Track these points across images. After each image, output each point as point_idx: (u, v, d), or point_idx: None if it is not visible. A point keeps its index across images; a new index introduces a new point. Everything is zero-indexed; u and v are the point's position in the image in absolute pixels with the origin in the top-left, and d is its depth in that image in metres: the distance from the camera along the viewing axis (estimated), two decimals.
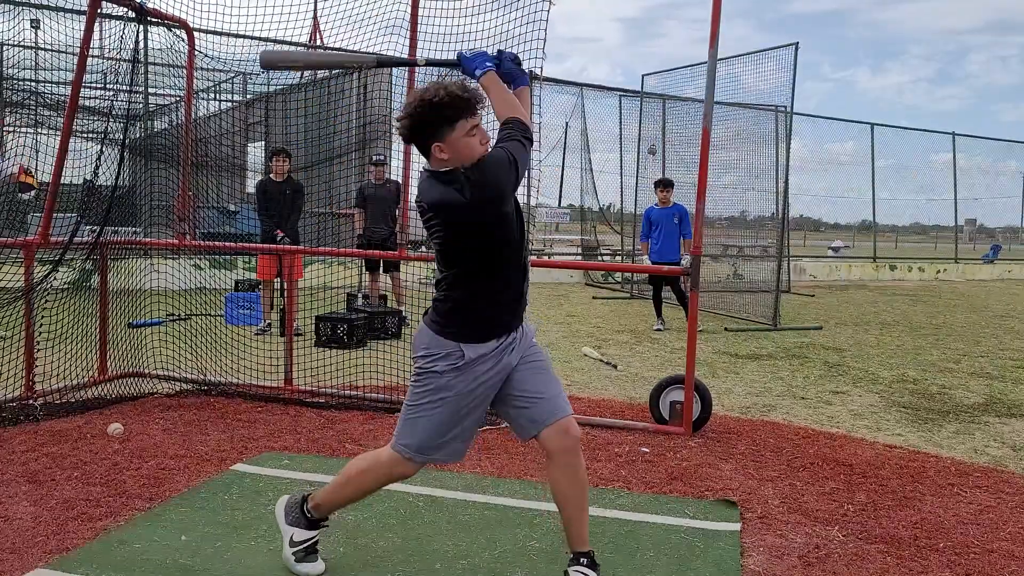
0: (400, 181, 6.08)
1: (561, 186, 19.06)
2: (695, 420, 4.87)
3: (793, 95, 10.98)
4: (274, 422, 4.90)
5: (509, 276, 2.69)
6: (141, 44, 5.57)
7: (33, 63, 9.32)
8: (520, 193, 2.74)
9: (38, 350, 5.13)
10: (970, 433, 5.16)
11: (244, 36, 6.34)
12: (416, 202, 2.75)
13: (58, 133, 5.20)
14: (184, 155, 6.07)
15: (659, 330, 9.41)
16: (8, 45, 9.62)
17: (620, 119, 15.84)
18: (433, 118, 2.54)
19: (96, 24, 4.98)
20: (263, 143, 12.55)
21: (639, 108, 14.66)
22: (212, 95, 13.52)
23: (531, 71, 4.78)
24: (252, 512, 3.43)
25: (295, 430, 4.74)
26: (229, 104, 13.89)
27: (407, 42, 5.20)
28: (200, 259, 10.56)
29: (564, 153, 18.02)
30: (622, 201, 16.80)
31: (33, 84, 9.15)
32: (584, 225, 17.53)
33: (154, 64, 9.33)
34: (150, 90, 10.29)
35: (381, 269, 9.14)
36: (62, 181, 5.05)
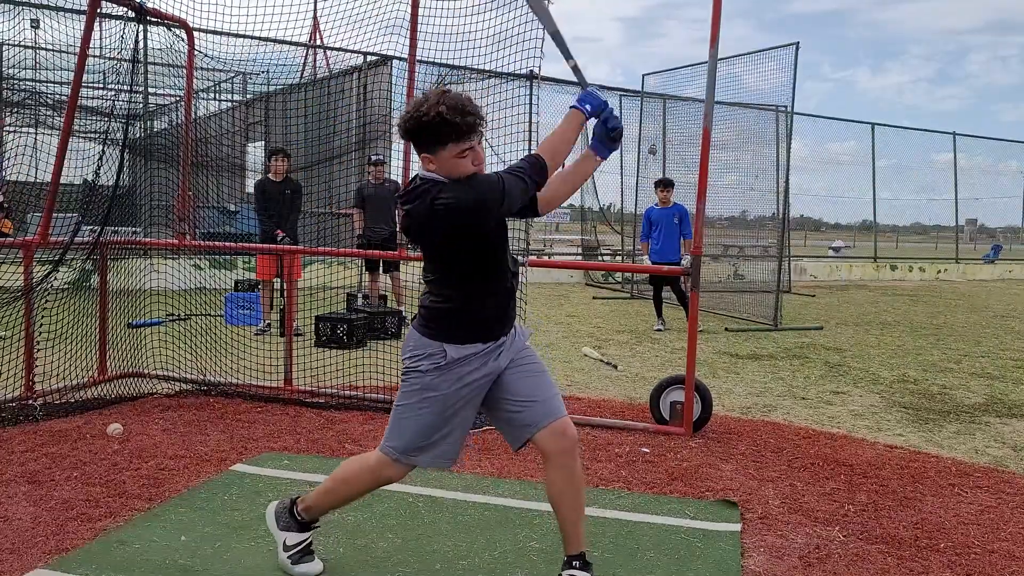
0: (400, 181, 6.08)
1: None
2: (695, 420, 4.87)
3: (794, 95, 10.98)
4: (274, 422, 4.89)
5: (492, 282, 2.67)
6: (141, 44, 5.56)
7: (33, 63, 9.31)
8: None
9: (38, 350, 5.12)
10: (971, 433, 5.15)
11: (244, 36, 6.34)
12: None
13: (58, 133, 5.20)
14: (184, 155, 6.07)
15: (659, 330, 9.41)
16: (8, 45, 9.63)
17: (620, 119, 15.81)
18: (423, 135, 2.52)
19: (96, 24, 4.98)
20: (263, 143, 12.55)
21: (639, 108, 14.66)
22: (212, 95, 13.53)
23: (531, 70, 4.79)
24: (252, 512, 3.43)
25: (295, 430, 4.74)
26: (229, 104, 13.89)
27: (407, 42, 5.20)
28: (200, 259, 10.56)
29: None
30: (622, 201, 16.81)
31: (33, 84, 9.15)
32: (584, 225, 17.52)
33: (154, 64, 9.33)
34: (150, 90, 10.29)
35: (381, 269, 9.14)
36: (62, 181, 5.04)
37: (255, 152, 12.70)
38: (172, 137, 7.17)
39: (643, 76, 14.39)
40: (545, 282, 14.95)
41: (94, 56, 5.19)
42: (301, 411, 5.18)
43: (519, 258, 2.92)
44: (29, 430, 4.52)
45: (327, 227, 10.33)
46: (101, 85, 5.86)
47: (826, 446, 4.73)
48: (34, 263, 5.04)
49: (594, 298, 13.26)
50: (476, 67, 5.14)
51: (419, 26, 5.19)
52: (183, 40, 5.86)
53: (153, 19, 5.48)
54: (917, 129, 21.67)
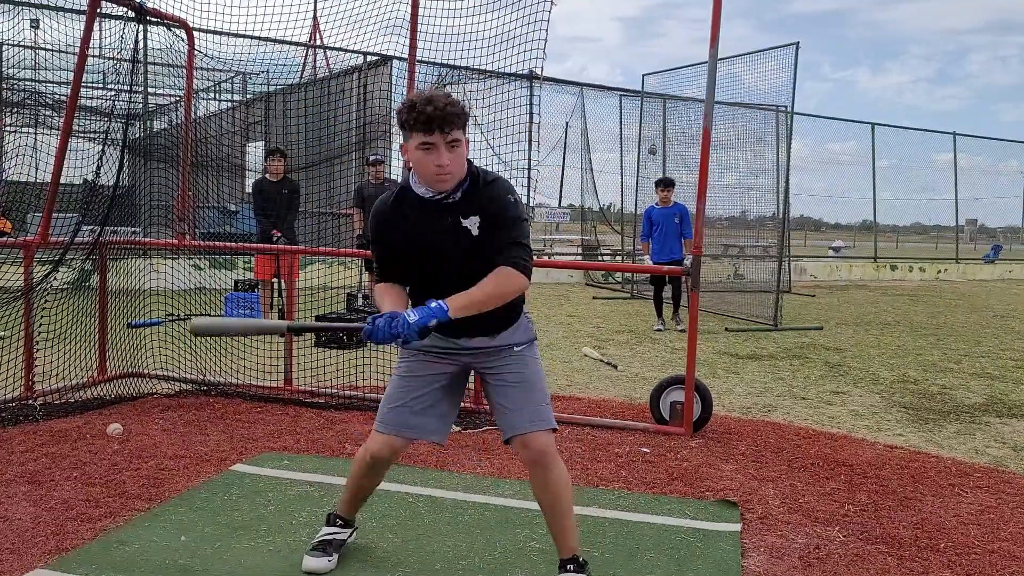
0: (400, 181, 6.07)
1: (561, 186, 19.08)
2: (695, 420, 4.87)
3: (794, 95, 10.97)
4: (274, 422, 4.89)
5: (433, 291, 2.64)
6: (141, 44, 5.56)
7: (33, 63, 9.32)
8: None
9: (37, 350, 5.12)
10: (971, 433, 5.15)
11: (244, 36, 6.34)
12: None
13: (58, 133, 5.20)
14: (184, 155, 6.07)
15: (659, 330, 9.41)
16: (8, 45, 9.62)
17: (620, 119, 15.83)
18: (399, 122, 2.62)
19: (96, 24, 4.98)
20: (263, 143, 12.55)
21: (639, 108, 14.66)
22: (212, 95, 13.52)
23: (532, 70, 4.79)
24: (252, 512, 3.43)
25: (295, 430, 4.74)
26: (229, 104, 13.89)
27: (407, 42, 5.20)
28: (200, 259, 10.55)
29: (564, 153, 18.04)
30: (622, 201, 16.81)
31: (33, 84, 9.15)
32: (584, 225, 17.53)
33: (154, 64, 9.33)
34: (150, 90, 10.29)
35: None
36: (62, 181, 5.04)
37: (255, 152, 12.71)
38: (172, 137, 7.17)
39: (643, 76, 14.39)
40: (545, 282, 14.96)
41: (94, 56, 5.19)
42: (301, 411, 5.18)
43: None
44: (29, 430, 4.52)
45: (327, 227, 10.32)
46: (101, 85, 5.86)
47: (826, 446, 4.73)
48: (34, 263, 5.04)
49: (594, 298, 13.26)
50: (476, 67, 5.14)
51: (419, 26, 5.18)
52: (183, 40, 5.86)
53: (153, 19, 5.48)
54: (917, 129, 21.70)
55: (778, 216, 12.18)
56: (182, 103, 6.59)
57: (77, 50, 4.86)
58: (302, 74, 12.98)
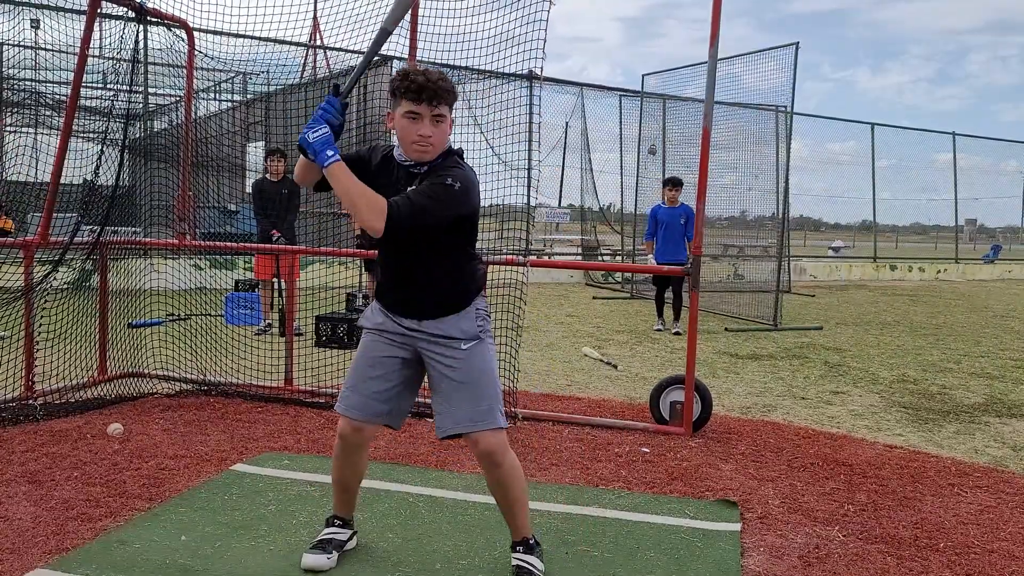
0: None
1: (561, 186, 19.09)
2: (695, 420, 4.87)
3: (793, 95, 10.98)
4: (274, 422, 4.90)
5: (391, 263, 2.83)
6: (141, 44, 5.56)
7: (33, 63, 9.32)
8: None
9: (38, 350, 5.12)
10: (970, 433, 5.16)
11: (244, 36, 6.33)
12: None
13: (58, 133, 5.20)
14: (184, 155, 6.07)
15: (659, 330, 9.41)
16: (8, 45, 9.62)
17: (620, 119, 15.84)
18: (391, 88, 2.69)
19: (96, 24, 4.98)
20: (263, 143, 12.55)
21: (639, 108, 14.65)
22: (212, 95, 13.52)
23: (531, 70, 4.79)
24: (252, 512, 3.43)
25: (295, 430, 4.74)
26: (229, 104, 13.89)
27: (407, 42, 5.20)
28: (200, 259, 10.56)
29: (564, 153, 18.04)
30: (622, 201, 16.81)
31: (33, 84, 9.15)
32: (584, 225, 17.53)
33: (154, 64, 9.33)
34: (150, 90, 10.29)
35: None
36: (62, 181, 5.04)
37: (255, 152, 12.71)
38: (172, 137, 7.17)
39: (643, 76, 14.39)
40: (545, 282, 14.96)
41: (94, 56, 5.19)
42: (301, 411, 5.18)
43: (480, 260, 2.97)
44: (29, 430, 4.52)
45: (327, 227, 10.32)
46: (101, 85, 5.86)
47: (826, 446, 4.73)
48: (34, 263, 5.04)
49: (594, 298, 13.27)
50: (476, 67, 5.14)
51: (419, 26, 5.19)
52: (183, 40, 5.86)
53: (153, 19, 5.48)
54: (917, 129, 21.70)
55: (778, 216, 12.18)
56: (182, 103, 6.59)
57: (77, 50, 4.86)
58: (302, 74, 12.98)
